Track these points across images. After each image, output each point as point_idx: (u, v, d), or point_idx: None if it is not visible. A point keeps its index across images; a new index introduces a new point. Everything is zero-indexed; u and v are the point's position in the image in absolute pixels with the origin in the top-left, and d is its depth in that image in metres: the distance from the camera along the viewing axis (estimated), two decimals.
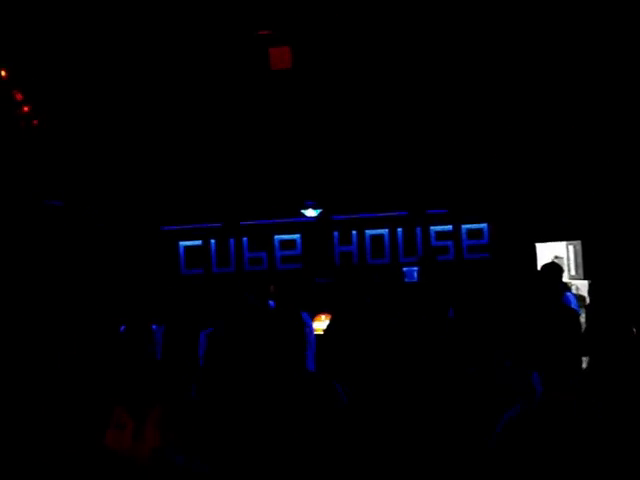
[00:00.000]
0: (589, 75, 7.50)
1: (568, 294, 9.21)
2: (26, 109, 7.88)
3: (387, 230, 13.12)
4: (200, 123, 8.70)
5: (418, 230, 13.05)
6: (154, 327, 7.14)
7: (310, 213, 12.60)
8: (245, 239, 13.26)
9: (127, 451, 2.49)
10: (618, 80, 7.58)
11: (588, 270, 12.78)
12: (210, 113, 8.35)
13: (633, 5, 6.51)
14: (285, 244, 13.26)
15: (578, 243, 13.05)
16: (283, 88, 7.54)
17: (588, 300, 11.93)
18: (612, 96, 8.13)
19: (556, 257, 12.43)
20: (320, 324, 8.28)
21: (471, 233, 13.04)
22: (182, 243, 13.28)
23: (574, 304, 9.17)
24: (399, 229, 13.09)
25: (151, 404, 2.57)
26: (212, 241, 13.30)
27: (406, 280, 11.91)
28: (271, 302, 8.63)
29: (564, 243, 13.31)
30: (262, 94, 7.69)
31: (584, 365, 7.11)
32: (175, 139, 9.34)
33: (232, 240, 13.27)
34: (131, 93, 8.39)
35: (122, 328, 7.06)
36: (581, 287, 12.26)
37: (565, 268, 12.32)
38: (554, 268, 9.16)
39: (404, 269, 12.37)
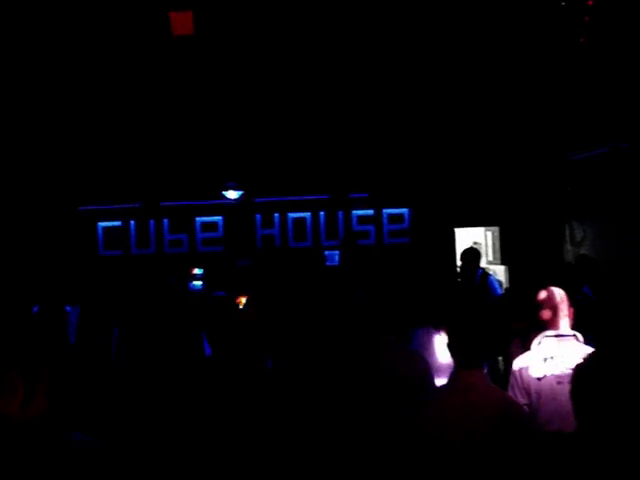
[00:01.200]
0: (505, 65, 7.61)
1: (492, 278, 9.42)
2: None
3: (309, 213, 13.12)
4: (116, 98, 8.47)
5: (340, 214, 13.08)
6: (68, 308, 6.98)
7: (231, 195, 12.49)
8: (166, 220, 13.06)
9: (15, 416, 2.41)
10: (533, 70, 7.72)
11: (505, 256, 13.07)
12: (126, 87, 8.14)
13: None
14: (206, 226, 13.12)
15: (496, 229, 13.33)
16: (198, 61, 7.39)
17: (506, 285, 12.23)
18: (528, 84, 8.27)
19: (475, 243, 12.67)
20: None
21: (392, 218, 13.15)
22: (100, 224, 13.00)
23: (497, 288, 9.38)
24: (321, 212, 13.11)
25: (42, 368, 2.49)
26: (131, 222, 13.05)
27: (327, 263, 11.97)
28: (191, 284, 8.58)
29: (482, 229, 13.58)
30: (175, 67, 7.51)
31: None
32: (91, 115, 9.08)
33: (152, 221, 13.05)
34: (40, 65, 8.10)
35: (35, 308, 6.87)
36: (498, 272, 12.53)
37: (483, 253, 12.58)
38: (473, 253, 9.36)
39: (326, 252, 12.43)
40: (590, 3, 4.19)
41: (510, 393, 4.17)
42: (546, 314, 4.35)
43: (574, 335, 4.28)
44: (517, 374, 4.25)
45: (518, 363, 4.29)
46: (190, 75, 7.83)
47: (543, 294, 4.40)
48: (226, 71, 7.96)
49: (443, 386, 3.98)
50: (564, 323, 4.32)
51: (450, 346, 3.75)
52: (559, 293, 4.39)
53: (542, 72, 7.70)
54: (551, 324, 4.31)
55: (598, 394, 2.47)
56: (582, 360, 2.65)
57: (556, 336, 4.25)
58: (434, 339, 5.38)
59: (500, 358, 6.02)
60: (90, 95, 8.31)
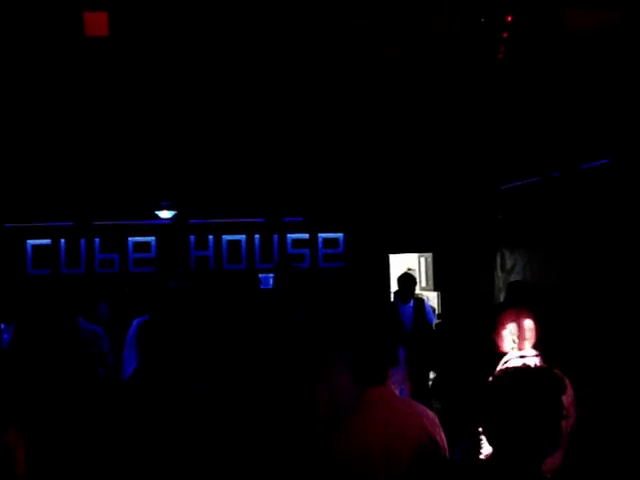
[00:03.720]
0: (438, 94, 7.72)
1: (427, 305, 9.54)
2: None
3: (244, 236, 13.06)
4: (45, 112, 8.28)
5: (275, 237, 13.06)
6: (2, 326, 6.78)
7: (165, 214, 12.33)
8: (97, 240, 12.83)
9: None
10: (464, 98, 7.85)
11: (438, 282, 13.22)
12: (56, 102, 7.95)
13: None
14: (139, 246, 12.93)
15: (429, 255, 13.49)
16: (131, 78, 7.26)
17: (438, 310, 12.35)
18: (459, 113, 8.40)
19: (409, 269, 12.78)
20: None
21: (327, 242, 13.19)
22: (30, 242, 12.70)
23: (431, 315, 9.51)
24: (256, 235, 13.06)
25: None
26: (62, 240, 12.78)
27: (262, 286, 11.88)
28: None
29: (416, 255, 13.73)
30: (109, 83, 7.37)
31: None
32: (19, 129, 8.85)
33: (83, 240, 12.81)
34: None
35: None
36: (431, 298, 12.65)
37: (417, 279, 12.70)
38: (410, 278, 9.46)
39: (260, 275, 12.34)
40: (509, 19, 4.25)
41: None
42: (509, 335, 4.42)
43: (537, 355, 4.36)
44: None
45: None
46: (124, 91, 7.71)
47: (506, 316, 4.48)
48: (157, 92, 7.85)
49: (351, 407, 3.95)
50: (527, 344, 4.40)
51: (351, 364, 3.73)
52: (522, 315, 4.47)
53: (470, 99, 7.83)
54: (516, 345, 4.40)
55: (498, 414, 2.47)
56: (490, 379, 2.67)
57: (521, 357, 4.30)
58: None
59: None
60: (17, 109, 8.10)
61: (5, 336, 6.70)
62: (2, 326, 6.86)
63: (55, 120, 8.56)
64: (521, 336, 4.40)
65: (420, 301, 9.61)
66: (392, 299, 10.03)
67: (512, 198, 11.77)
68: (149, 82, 7.32)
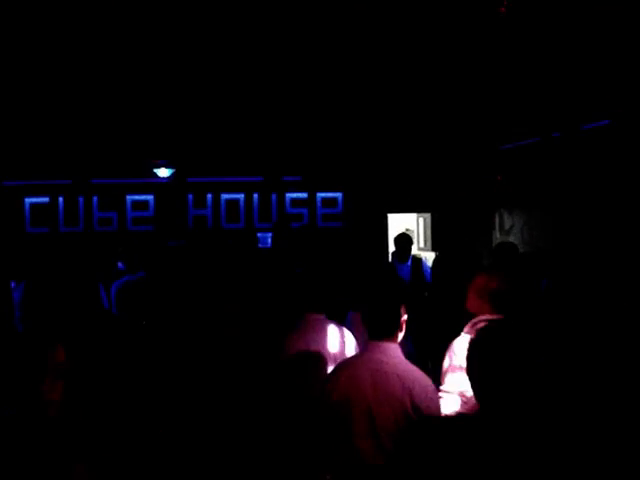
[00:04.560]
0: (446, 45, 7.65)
1: (425, 264, 9.55)
2: None
3: (243, 195, 13.02)
4: (45, 69, 8.22)
5: (274, 196, 13.03)
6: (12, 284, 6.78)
7: (163, 173, 12.29)
8: (95, 198, 12.80)
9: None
10: (464, 56, 7.78)
11: (436, 242, 13.24)
12: (56, 58, 7.90)
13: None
14: (137, 205, 12.90)
15: (428, 216, 13.49)
16: (132, 34, 7.20)
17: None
18: (459, 71, 8.34)
19: (407, 229, 12.79)
20: None
21: (326, 201, 13.16)
22: (28, 200, 12.67)
23: (428, 271, 9.49)
24: (255, 194, 13.03)
25: None
26: (60, 198, 12.75)
27: (260, 245, 11.91)
28: (120, 264, 8.39)
29: (415, 215, 13.73)
30: (109, 40, 7.31)
31: None
32: (18, 86, 8.79)
33: (81, 198, 12.77)
34: None
35: None
36: (429, 258, 12.68)
37: (415, 240, 12.71)
38: (406, 238, 9.47)
39: (258, 234, 12.36)
40: None
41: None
42: (478, 299, 4.42)
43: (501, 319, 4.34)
44: (451, 354, 4.29)
45: (454, 344, 4.34)
46: (122, 47, 7.64)
47: (477, 279, 4.47)
48: (160, 44, 7.79)
49: (355, 355, 4.16)
50: (492, 308, 4.38)
51: (363, 317, 3.93)
52: (490, 279, 4.46)
53: (472, 58, 7.77)
54: (484, 309, 4.38)
55: (486, 367, 2.51)
56: (476, 335, 2.71)
57: (485, 320, 4.29)
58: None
59: None
60: (16, 65, 8.03)
61: (15, 294, 6.71)
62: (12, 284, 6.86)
63: (54, 77, 8.51)
64: (485, 299, 4.40)
65: (418, 260, 9.61)
66: (390, 259, 10.05)
67: (512, 158, 11.74)
68: (148, 35, 7.26)
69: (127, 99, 9.76)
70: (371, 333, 3.86)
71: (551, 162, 10.27)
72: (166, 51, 7.76)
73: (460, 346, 4.20)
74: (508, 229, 12.27)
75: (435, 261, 7.62)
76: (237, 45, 7.74)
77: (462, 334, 4.33)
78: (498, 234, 12.61)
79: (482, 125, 11.06)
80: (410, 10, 6.61)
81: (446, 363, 4.29)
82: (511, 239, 11.53)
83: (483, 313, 4.35)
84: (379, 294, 3.89)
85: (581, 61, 7.31)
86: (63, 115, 10.72)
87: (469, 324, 4.34)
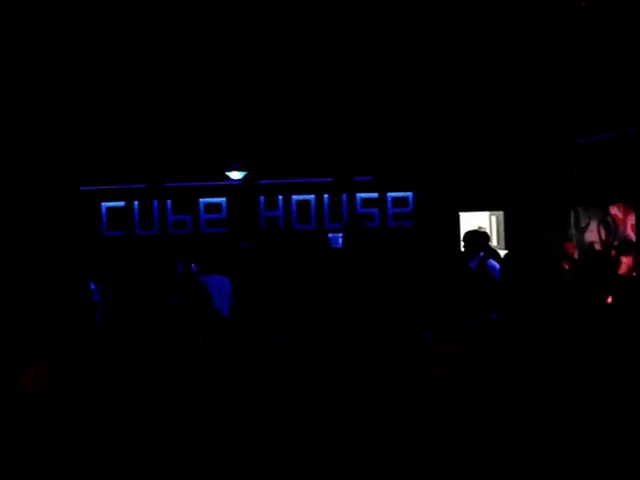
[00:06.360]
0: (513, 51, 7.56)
1: (491, 262, 9.32)
2: None
3: (314, 196, 13.08)
4: (120, 79, 8.42)
5: (344, 197, 13.04)
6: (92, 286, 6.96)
7: (235, 175, 12.44)
8: (169, 201, 13.04)
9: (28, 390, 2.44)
10: (538, 53, 7.67)
11: (509, 240, 13.05)
12: (129, 68, 8.08)
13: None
14: (210, 207, 13.09)
15: (501, 214, 13.30)
16: (199, 44, 7.32)
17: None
18: (533, 68, 8.22)
19: (479, 227, 12.63)
20: None
21: (396, 201, 13.11)
22: (104, 204, 12.98)
23: (493, 272, 9.29)
24: (325, 195, 13.07)
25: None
26: (135, 202, 13.03)
27: (331, 246, 11.93)
28: (193, 266, 8.54)
29: (487, 213, 13.55)
30: (177, 50, 7.45)
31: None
32: (96, 95, 9.03)
33: (156, 202, 13.03)
34: (41, 49, 8.05)
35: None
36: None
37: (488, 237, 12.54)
38: (472, 234, 9.26)
39: (329, 235, 12.39)
40: None
41: None
42: None
43: None
44: None
45: None
46: (193, 57, 7.78)
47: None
48: (230, 53, 7.90)
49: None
50: None
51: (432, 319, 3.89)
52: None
53: (546, 54, 7.64)
54: None
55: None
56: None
57: None
58: None
59: None
60: (93, 76, 8.26)
61: (95, 297, 6.86)
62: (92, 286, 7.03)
63: (128, 84, 8.70)
64: None
65: (484, 258, 9.40)
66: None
67: (587, 154, 11.48)
68: (221, 43, 7.37)
69: (199, 104, 9.92)
70: (439, 335, 3.82)
71: (627, 157, 10.01)
72: (238, 57, 7.87)
73: None
74: (584, 226, 12.01)
75: (505, 258, 7.49)
76: (308, 48, 7.80)
77: None
78: (574, 231, 12.35)
79: (556, 119, 10.86)
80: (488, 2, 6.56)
81: None
82: (587, 237, 11.29)
83: None
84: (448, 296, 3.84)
85: None
86: (137, 122, 10.96)
87: None
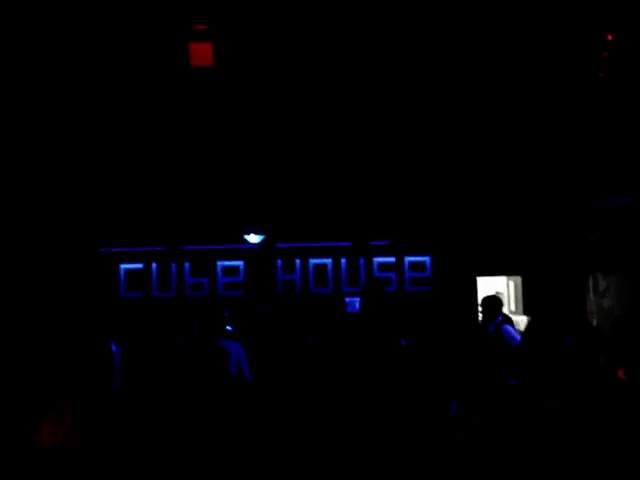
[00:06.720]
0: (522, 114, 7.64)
1: (506, 327, 9.24)
2: None
3: (331, 259, 13.09)
4: (140, 141, 8.55)
5: (361, 260, 13.05)
6: (114, 348, 6.98)
7: (253, 239, 12.50)
8: (187, 264, 13.09)
9: (61, 444, 2.41)
10: (556, 116, 7.73)
11: (527, 306, 12.95)
12: (149, 130, 8.21)
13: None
14: (228, 270, 13.12)
15: (518, 279, 13.23)
16: (219, 102, 7.44)
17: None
18: (551, 131, 8.28)
19: (497, 292, 12.56)
20: None
21: (414, 265, 13.09)
22: (123, 266, 13.05)
23: (512, 337, 9.20)
24: (342, 259, 13.08)
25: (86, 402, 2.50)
26: (153, 265, 13.09)
27: (348, 310, 11.89)
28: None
29: (505, 278, 13.48)
30: (197, 110, 7.57)
31: None
32: (114, 158, 9.16)
33: (174, 264, 13.09)
34: (62, 102, 8.19)
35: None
36: (520, 322, 12.38)
37: (505, 303, 12.46)
38: (489, 300, 9.22)
39: (347, 299, 12.35)
40: (609, 38, 4.19)
41: None
42: None
43: None
44: None
45: None
46: (212, 118, 7.90)
47: None
48: (249, 114, 8.02)
49: None
50: None
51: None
52: None
53: (563, 117, 7.71)
54: None
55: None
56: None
57: None
58: None
59: None
60: (113, 137, 8.39)
61: (116, 357, 6.88)
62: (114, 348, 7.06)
63: (148, 148, 8.84)
64: None
65: (500, 324, 9.34)
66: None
67: (605, 219, 11.47)
68: (239, 109, 7.48)
69: (218, 169, 10.04)
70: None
71: None
72: (253, 121, 7.98)
73: None
74: (603, 291, 11.92)
75: (529, 325, 7.42)
76: (322, 112, 7.90)
77: None
78: (592, 296, 12.25)
79: (573, 184, 10.88)
80: (503, 66, 6.63)
81: None
82: (607, 302, 11.19)
83: None
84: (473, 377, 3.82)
85: None
86: (156, 185, 11.09)
87: None
